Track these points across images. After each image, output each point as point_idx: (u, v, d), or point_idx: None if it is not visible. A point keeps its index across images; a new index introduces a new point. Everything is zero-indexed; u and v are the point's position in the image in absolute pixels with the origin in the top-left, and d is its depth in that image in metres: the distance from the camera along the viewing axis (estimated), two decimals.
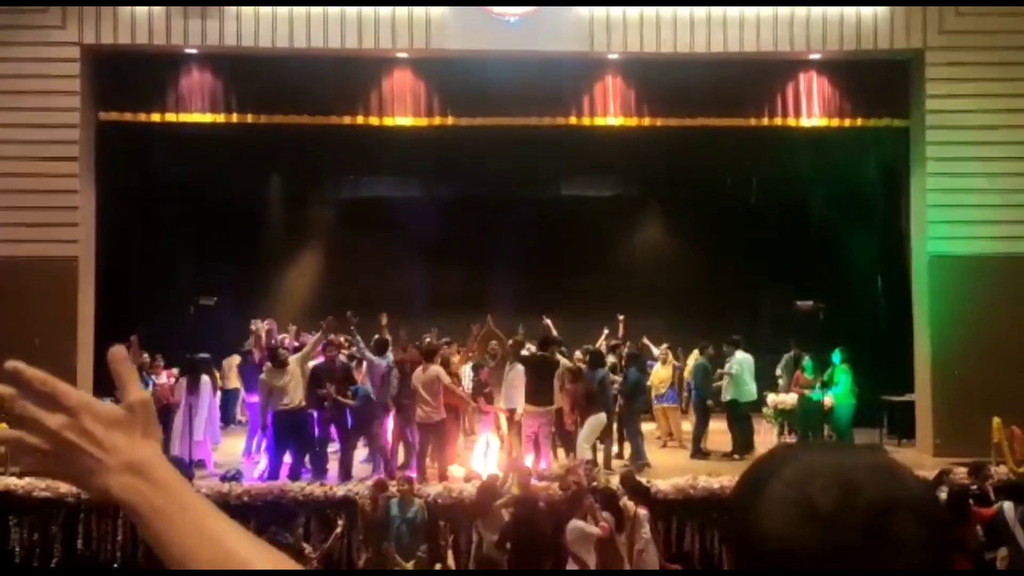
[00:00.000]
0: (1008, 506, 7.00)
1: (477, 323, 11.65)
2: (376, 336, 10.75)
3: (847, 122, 11.56)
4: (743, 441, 10.91)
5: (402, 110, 11.35)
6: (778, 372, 12.25)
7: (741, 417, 11.12)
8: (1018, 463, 9.07)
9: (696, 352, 11.73)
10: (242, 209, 13.94)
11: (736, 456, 10.71)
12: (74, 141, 10.80)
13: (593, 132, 11.55)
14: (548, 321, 11.58)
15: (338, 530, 8.34)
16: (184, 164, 12.35)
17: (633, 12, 11.09)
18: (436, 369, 9.51)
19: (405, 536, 8.00)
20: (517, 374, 9.66)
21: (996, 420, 9.53)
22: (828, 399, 10.89)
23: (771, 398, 11.96)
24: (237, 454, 10.84)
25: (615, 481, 8.43)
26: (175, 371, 10.91)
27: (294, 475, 9.27)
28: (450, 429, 9.76)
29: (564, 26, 11.01)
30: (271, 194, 14.46)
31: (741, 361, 11.17)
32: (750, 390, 11.20)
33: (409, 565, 7.87)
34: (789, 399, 11.64)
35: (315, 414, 9.70)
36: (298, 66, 11.12)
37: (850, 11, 11.18)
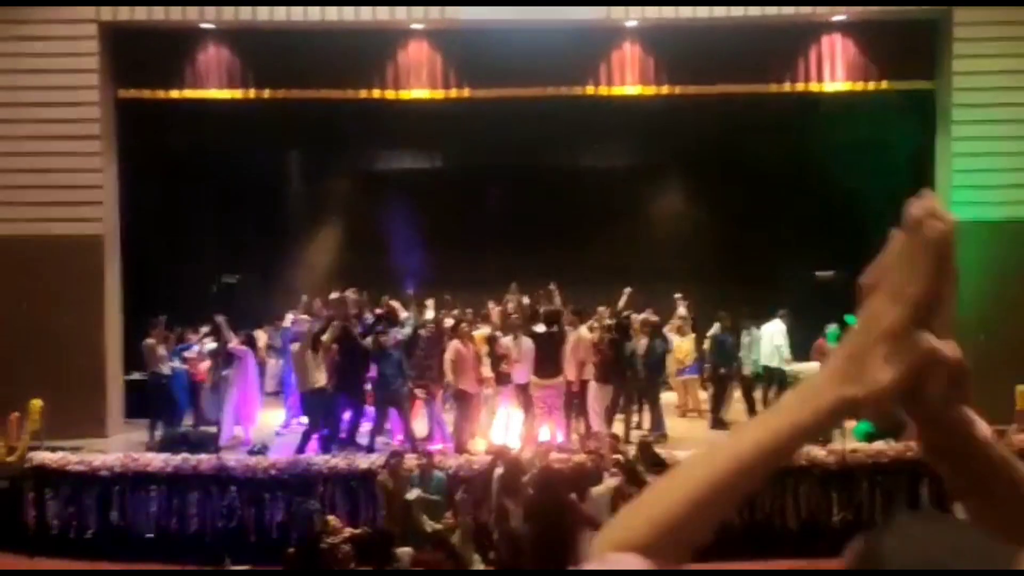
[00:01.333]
0: None
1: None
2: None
3: (872, 85, 11.33)
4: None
5: (418, 82, 11.30)
6: (779, 341, 12.09)
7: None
8: None
9: (717, 324, 11.68)
10: (262, 184, 14.00)
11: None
12: (95, 119, 10.89)
13: (612, 101, 11.44)
14: (553, 287, 11.63)
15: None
16: (203, 140, 12.40)
17: None
18: (474, 345, 9.68)
19: (425, 509, 8.14)
20: (528, 348, 9.72)
21: (1020, 387, 9.45)
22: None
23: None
24: (267, 427, 11.02)
25: (632, 452, 8.51)
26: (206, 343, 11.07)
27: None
28: (475, 401, 9.91)
29: None
30: (290, 169, 14.51)
31: (767, 331, 11.12)
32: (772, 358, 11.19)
33: (439, 525, 8.01)
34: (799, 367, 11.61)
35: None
36: (314, 40, 11.08)
37: None
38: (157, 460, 9.17)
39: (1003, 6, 10.78)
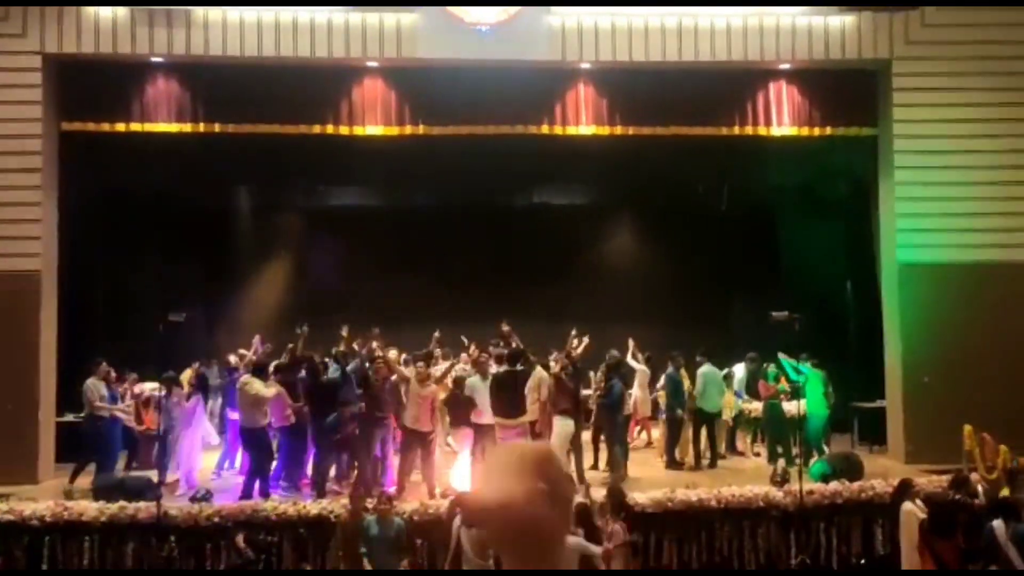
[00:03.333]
0: (997, 524, 7.00)
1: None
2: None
3: (816, 131, 11.65)
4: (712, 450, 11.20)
5: (373, 119, 11.25)
6: (736, 382, 12.24)
7: (708, 427, 11.26)
8: (989, 470, 9.15)
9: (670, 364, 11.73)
10: (210, 220, 13.68)
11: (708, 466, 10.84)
12: (36, 152, 10.56)
13: (565, 141, 11.51)
14: (507, 328, 11.58)
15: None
16: (150, 175, 12.06)
17: (604, 21, 11.09)
18: (434, 387, 9.50)
19: (383, 554, 7.88)
20: (482, 388, 9.58)
21: (967, 427, 9.61)
22: (797, 406, 10.94)
23: (740, 406, 12.05)
24: (206, 471, 10.62)
25: (595, 494, 8.37)
26: (145, 387, 10.68)
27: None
28: (434, 442, 9.71)
29: (536, 35, 10.96)
30: (240, 205, 14.21)
31: (705, 373, 11.22)
32: (715, 402, 11.27)
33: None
34: (756, 406, 11.73)
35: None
36: (267, 75, 10.96)
37: (818, 21, 11.29)
38: (91, 508, 8.70)
39: (939, 60, 11.23)
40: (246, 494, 9.21)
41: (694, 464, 11.09)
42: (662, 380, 11.48)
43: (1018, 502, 7.39)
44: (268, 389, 9.52)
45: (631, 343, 12.01)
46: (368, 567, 7.71)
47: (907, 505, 7.76)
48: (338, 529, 8.14)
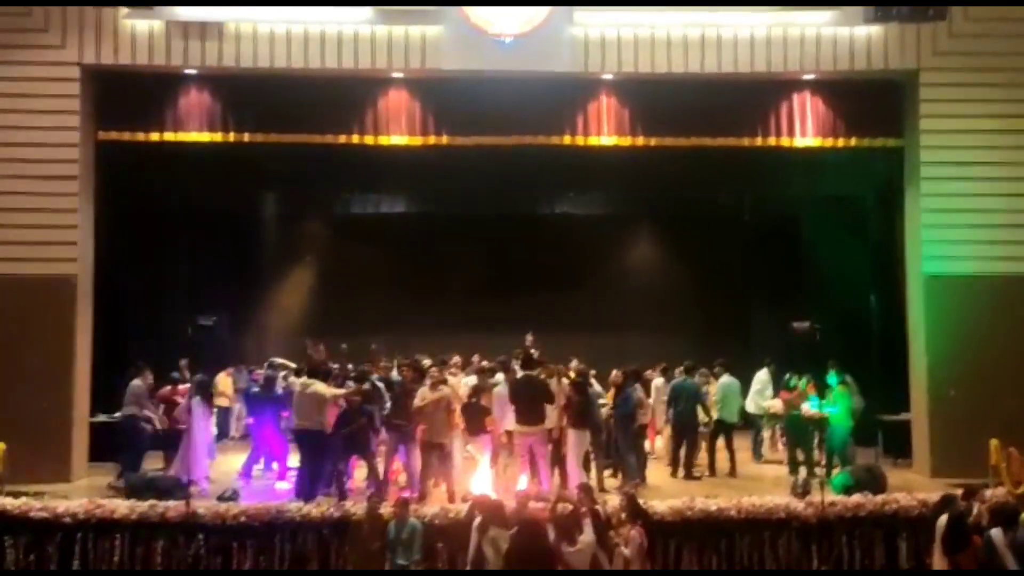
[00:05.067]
0: (996, 532, 6.98)
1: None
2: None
3: (841, 142, 11.61)
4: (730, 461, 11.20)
5: (397, 129, 11.43)
6: (756, 388, 12.30)
7: (727, 438, 11.27)
8: (1015, 484, 9.07)
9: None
10: (240, 228, 13.97)
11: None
12: (73, 160, 10.86)
13: (587, 151, 11.60)
14: (531, 337, 11.66)
15: None
16: (182, 183, 12.39)
17: (627, 32, 11.18)
18: (447, 389, 9.58)
19: (398, 555, 8.03)
20: (501, 395, 9.67)
21: (994, 441, 9.53)
22: (817, 412, 10.91)
23: (763, 404, 12.11)
24: (231, 472, 10.82)
25: (612, 502, 8.43)
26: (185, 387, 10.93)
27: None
28: (452, 450, 9.80)
29: (558, 46, 11.06)
30: (268, 213, 14.49)
31: (725, 384, 11.21)
32: (733, 412, 11.29)
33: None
34: (776, 404, 11.73)
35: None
36: (295, 86, 11.19)
37: (843, 31, 11.27)
38: (123, 507, 8.92)
39: (967, 71, 11.16)
40: (299, 494, 9.35)
41: (709, 473, 11.06)
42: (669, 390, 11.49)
43: (1017, 510, 7.35)
44: (330, 390, 9.60)
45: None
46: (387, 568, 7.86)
47: (943, 520, 7.70)
48: (353, 529, 8.29)
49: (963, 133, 11.17)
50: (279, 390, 10.82)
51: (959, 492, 8.23)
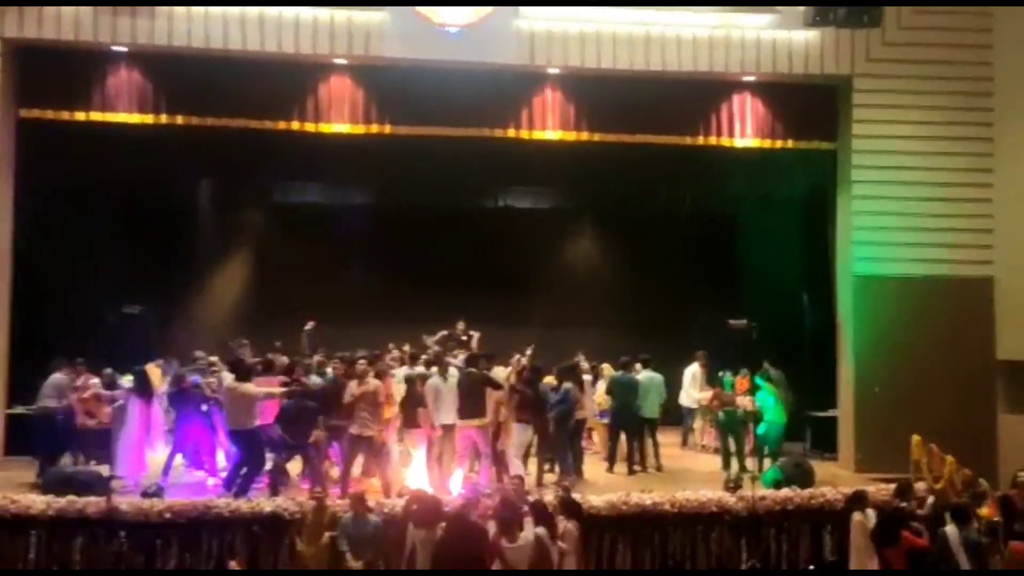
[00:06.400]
0: (951, 530, 7.18)
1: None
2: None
3: (779, 144, 11.87)
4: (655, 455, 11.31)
5: (339, 117, 11.23)
6: (687, 382, 12.48)
7: (650, 433, 11.36)
8: (935, 479, 9.38)
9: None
10: (171, 213, 13.49)
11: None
12: None
13: (531, 145, 11.58)
14: (463, 325, 11.56)
15: None
16: (111, 165, 11.81)
17: (573, 28, 11.18)
18: (376, 382, 9.42)
19: (358, 551, 7.94)
20: (450, 389, 9.59)
21: (916, 437, 9.85)
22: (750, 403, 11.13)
23: (695, 396, 12.34)
24: (156, 468, 10.44)
25: (548, 496, 8.42)
26: (96, 381, 10.47)
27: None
28: (386, 443, 9.64)
29: (505, 39, 11.01)
30: (202, 198, 14.02)
31: (644, 380, 11.32)
32: (653, 408, 11.35)
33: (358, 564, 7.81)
34: (706, 396, 11.95)
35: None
36: (232, 68, 10.88)
37: (783, 35, 11.50)
38: (39, 502, 8.53)
39: (898, 78, 11.50)
40: (229, 487, 9.12)
41: (640, 469, 11.10)
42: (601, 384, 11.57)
43: (970, 508, 7.60)
44: (260, 390, 9.31)
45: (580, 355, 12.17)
46: (352, 562, 7.77)
47: (857, 515, 7.94)
48: (300, 524, 8.16)
49: (893, 138, 11.53)
50: (200, 382, 10.41)
51: (872, 489, 8.50)
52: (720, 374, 11.91)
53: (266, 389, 9.42)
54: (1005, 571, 7.09)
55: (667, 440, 11.99)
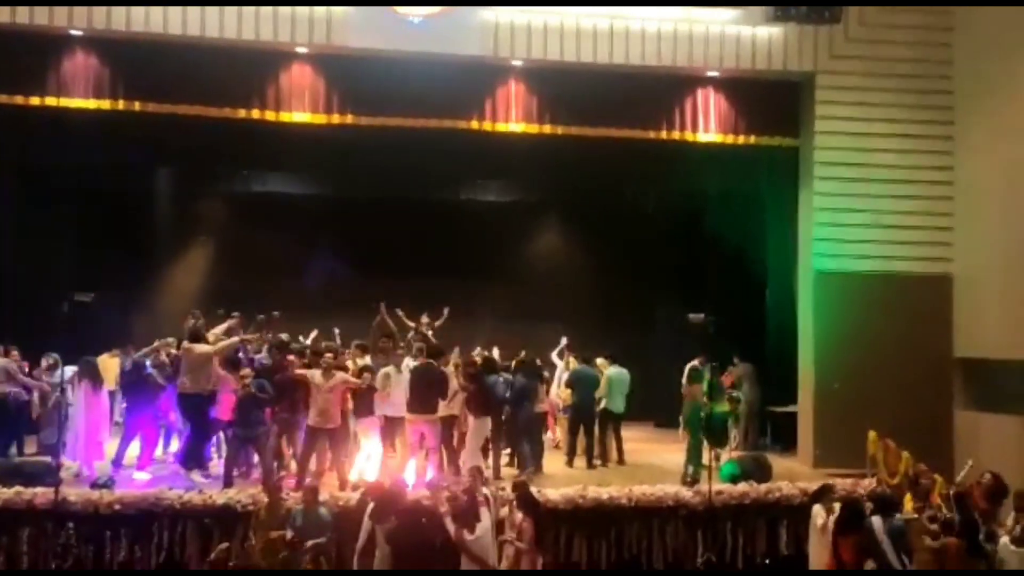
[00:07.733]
0: (876, 520, 7.25)
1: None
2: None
3: (741, 139, 11.88)
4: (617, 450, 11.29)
5: (300, 106, 11.09)
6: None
7: (615, 428, 11.34)
8: (891, 474, 9.46)
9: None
10: (127, 201, 13.30)
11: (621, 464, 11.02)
12: None
13: (494, 137, 11.50)
14: (427, 319, 11.65)
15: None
16: (68, 152, 11.62)
17: (538, 20, 11.13)
18: (341, 375, 9.33)
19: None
20: (397, 379, 9.51)
21: (872, 433, 9.93)
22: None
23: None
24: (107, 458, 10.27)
25: (508, 490, 8.39)
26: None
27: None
28: (345, 435, 9.57)
29: (469, 30, 10.94)
30: (159, 186, 13.82)
31: (613, 376, 11.31)
32: (617, 402, 11.34)
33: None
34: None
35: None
36: (191, 55, 10.71)
37: (747, 31, 11.52)
38: None
39: (861, 75, 11.57)
40: (184, 462, 9.20)
41: (601, 463, 11.10)
42: (565, 377, 11.54)
43: (895, 497, 7.69)
44: (216, 346, 9.41)
45: (564, 340, 12.13)
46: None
47: (816, 507, 7.97)
48: (253, 517, 8.05)
49: (855, 135, 11.59)
50: (152, 372, 10.27)
51: (837, 482, 8.53)
52: (688, 367, 11.86)
53: (223, 342, 9.50)
54: (961, 571, 7.13)
55: (642, 436, 11.96)
